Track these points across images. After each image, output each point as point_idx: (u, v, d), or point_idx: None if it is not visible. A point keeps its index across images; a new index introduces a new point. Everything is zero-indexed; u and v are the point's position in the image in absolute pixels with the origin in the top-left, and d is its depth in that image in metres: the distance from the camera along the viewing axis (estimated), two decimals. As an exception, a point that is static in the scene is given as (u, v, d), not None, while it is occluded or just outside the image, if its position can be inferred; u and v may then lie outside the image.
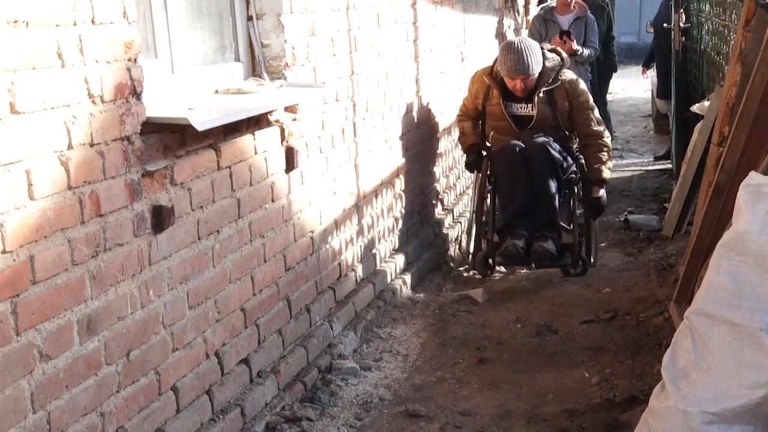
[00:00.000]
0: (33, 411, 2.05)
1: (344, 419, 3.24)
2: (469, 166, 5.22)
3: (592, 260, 4.99)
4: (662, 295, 4.29)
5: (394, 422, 3.24)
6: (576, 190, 4.96)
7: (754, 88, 3.19)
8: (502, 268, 5.16)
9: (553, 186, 4.77)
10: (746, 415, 2.15)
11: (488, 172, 4.97)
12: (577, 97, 4.92)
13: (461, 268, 5.27)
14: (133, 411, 2.44)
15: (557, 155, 4.80)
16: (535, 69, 4.79)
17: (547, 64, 4.86)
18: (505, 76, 4.82)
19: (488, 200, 5.02)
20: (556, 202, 4.80)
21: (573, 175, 4.92)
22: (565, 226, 4.92)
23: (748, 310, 2.21)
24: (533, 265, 4.89)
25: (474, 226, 5.12)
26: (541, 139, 4.80)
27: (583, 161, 4.98)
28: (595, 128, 4.91)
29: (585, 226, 4.98)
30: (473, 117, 5.13)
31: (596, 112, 5.00)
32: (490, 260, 4.96)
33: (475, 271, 5.07)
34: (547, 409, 3.29)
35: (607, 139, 4.97)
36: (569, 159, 4.92)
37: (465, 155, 5.26)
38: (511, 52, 4.75)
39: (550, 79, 4.87)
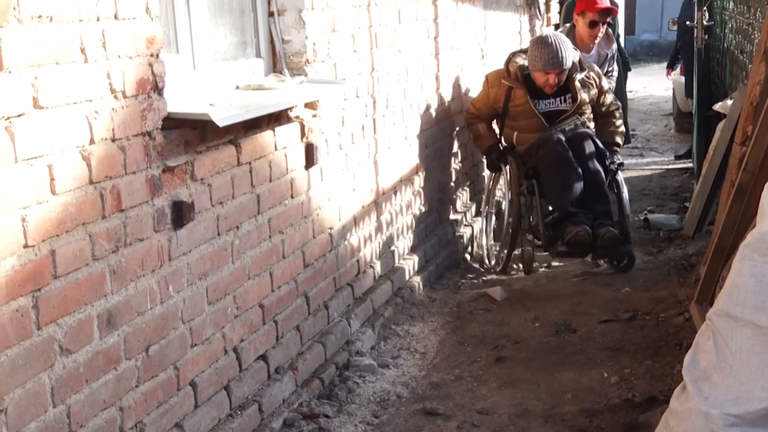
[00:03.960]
0: (53, 405, 2.06)
1: (361, 416, 3.23)
2: (492, 165, 5.18)
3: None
4: (683, 295, 4.26)
5: (411, 420, 3.23)
6: (613, 178, 4.94)
7: (778, 88, 3.16)
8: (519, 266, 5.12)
9: (602, 175, 4.76)
10: (769, 418, 2.13)
11: (521, 168, 4.93)
12: (601, 82, 5.10)
13: (477, 266, 5.25)
14: (151, 406, 2.45)
15: (599, 143, 4.86)
16: (569, 62, 4.82)
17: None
18: (539, 71, 4.82)
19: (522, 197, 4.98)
20: (607, 189, 4.78)
21: (612, 166, 4.92)
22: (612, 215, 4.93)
23: (771, 312, 2.18)
24: (596, 254, 4.90)
25: (510, 225, 5.05)
26: (578, 127, 4.86)
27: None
28: (614, 106, 5.15)
29: (621, 219, 4.92)
30: (486, 119, 5.13)
31: (611, 95, 5.25)
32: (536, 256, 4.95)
33: (505, 271, 5.05)
34: (565, 408, 3.27)
35: (620, 110, 5.21)
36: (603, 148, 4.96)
37: (484, 156, 5.25)
38: (546, 46, 4.77)
39: (578, 68, 4.94)
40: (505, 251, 5.12)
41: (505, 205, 5.41)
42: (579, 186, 4.70)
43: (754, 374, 2.17)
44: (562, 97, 4.93)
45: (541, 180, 4.83)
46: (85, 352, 2.17)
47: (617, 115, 5.17)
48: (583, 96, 4.94)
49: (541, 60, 4.79)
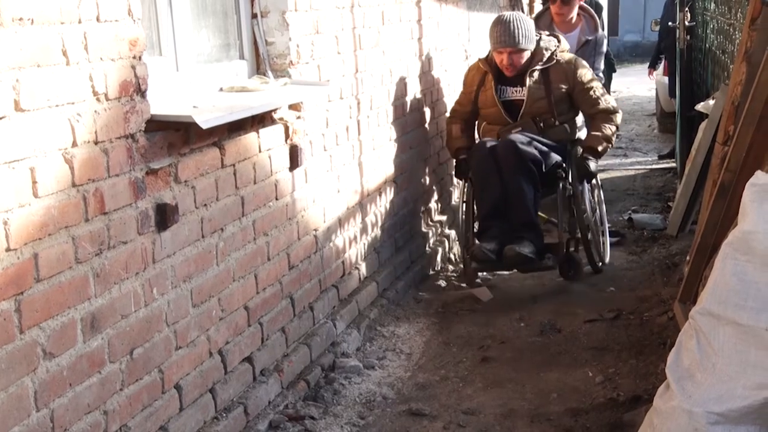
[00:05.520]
0: (36, 409, 2.05)
1: (347, 418, 3.23)
2: (459, 171, 4.88)
3: (599, 260, 4.82)
4: (666, 294, 4.28)
5: (397, 421, 3.23)
6: (562, 186, 4.62)
7: (759, 87, 3.18)
8: (487, 275, 4.90)
9: (524, 184, 4.45)
10: (751, 415, 2.14)
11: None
12: (578, 77, 4.68)
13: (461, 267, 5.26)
14: (136, 409, 2.44)
15: (529, 150, 4.47)
16: (524, 43, 4.58)
17: (542, 43, 4.69)
18: (492, 50, 4.65)
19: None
20: (530, 201, 4.47)
21: (560, 170, 4.59)
22: (553, 221, 4.76)
23: (753, 310, 2.20)
24: (513, 269, 4.65)
25: (463, 234, 4.86)
26: (514, 135, 4.55)
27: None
28: (602, 106, 4.69)
29: (579, 222, 4.66)
30: (465, 116, 4.90)
31: (601, 89, 4.75)
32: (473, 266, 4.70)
33: (470, 283, 4.75)
34: (550, 408, 3.28)
35: (617, 116, 4.72)
36: (552, 155, 4.60)
37: (454, 161, 4.96)
38: (499, 24, 4.58)
39: (545, 58, 4.66)
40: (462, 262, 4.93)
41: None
42: (493, 198, 4.50)
43: (736, 372, 2.19)
44: (521, 88, 4.67)
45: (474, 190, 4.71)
46: (68, 356, 2.16)
47: (608, 119, 4.70)
48: (534, 90, 4.63)
49: (492, 38, 4.60)
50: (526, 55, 4.65)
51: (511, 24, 4.55)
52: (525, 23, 4.61)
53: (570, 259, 4.72)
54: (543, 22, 5.92)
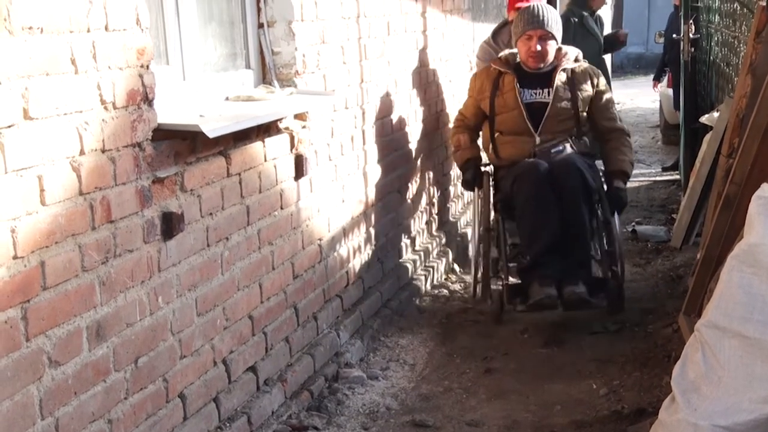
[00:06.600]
0: (42, 417, 2.05)
1: (351, 428, 3.23)
2: (468, 184, 4.53)
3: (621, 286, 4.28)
4: (671, 306, 4.27)
5: (401, 432, 3.23)
6: (599, 211, 4.24)
7: (764, 100, 3.18)
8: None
9: (586, 216, 4.06)
10: (758, 429, 2.14)
11: (494, 196, 4.32)
12: (600, 85, 4.42)
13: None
14: (140, 418, 2.44)
15: (591, 177, 4.11)
16: (554, 27, 4.30)
17: (564, 46, 4.47)
18: (519, 36, 4.33)
19: (497, 230, 4.31)
20: (589, 235, 4.11)
21: (596, 194, 4.22)
22: (594, 256, 4.28)
23: (759, 323, 2.20)
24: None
25: (480, 264, 4.37)
26: (568, 155, 4.17)
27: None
28: (619, 125, 4.44)
29: (613, 253, 4.24)
30: (472, 127, 4.58)
31: (615, 105, 4.57)
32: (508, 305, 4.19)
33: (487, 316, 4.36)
34: (554, 420, 3.28)
35: (630, 139, 4.51)
36: (596, 177, 4.25)
37: (462, 172, 4.61)
38: (527, 10, 4.34)
39: (571, 58, 4.40)
40: (479, 285, 4.43)
41: (472, 234, 4.75)
42: (554, 231, 4.06)
43: (742, 386, 2.18)
44: (548, 90, 4.31)
45: (516, 217, 4.22)
46: (73, 364, 2.16)
47: (627, 142, 4.44)
48: (560, 90, 4.30)
49: (521, 22, 4.31)
50: (553, 45, 4.35)
51: (541, 10, 4.31)
52: (554, 12, 4.38)
53: (618, 294, 4.23)
54: (502, 38, 5.39)
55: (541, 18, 4.29)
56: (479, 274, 4.38)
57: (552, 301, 3.99)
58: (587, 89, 4.39)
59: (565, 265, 4.05)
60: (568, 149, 4.25)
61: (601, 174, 4.37)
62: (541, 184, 4.07)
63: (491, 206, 4.38)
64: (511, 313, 4.29)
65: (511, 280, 4.21)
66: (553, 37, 4.35)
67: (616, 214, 4.35)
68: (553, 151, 4.24)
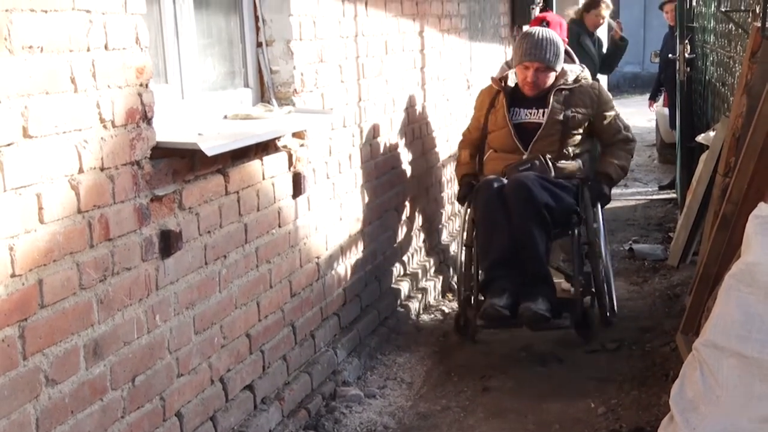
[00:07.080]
0: (38, 436, 2.04)
1: (348, 447, 3.22)
2: (460, 200, 4.54)
3: (608, 311, 4.18)
4: (668, 325, 4.27)
5: (398, 451, 3.21)
6: (577, 233, 4.13)
7: (760, 120, 3.20)
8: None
9: (536, 232, 3.97)
10: (756, 448, 2.14)
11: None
12: (603, 103, 4.39)
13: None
14: (137, 437, 2.43)
15: (541, 193, 4.00)
16: (553, 61, 4.26)
17: (566, 66, 4.42)
18: (518, 65, 4.30)
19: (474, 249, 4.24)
20: (542, 251, 4.00)
21: (574, 216, 4.12)
22: (568, 273, 4.32)
23: (757, 342, 2.20)
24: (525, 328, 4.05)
25: (462, 280, 4.31)
26: (524, 175, 4.08)
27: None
28: (622, 135, 4.42)
29: (596, 273, 4.14)
30: (475, 141, 4.57)
31: (623, 120, 4.50)
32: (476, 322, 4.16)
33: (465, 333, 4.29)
34: (552, 439, 3.27)
35: (632, 144, 4.47)
36: (566, 198, 4.11)
37: (458, 187, 4.61)
38: (528, 36, 4.28)
39: (570, 79, 4.35)
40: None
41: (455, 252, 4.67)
42: (502, 245, 4.00)
43: (740, 405, 2.18)
44: (542, 111, 4.28)
45: (477, 234, 4.21)
46: (70, 383, 2.15)
47: (624, 147, 4.43)
48: (556, 110, 4.25)
49: (519, 50, 4.26)
50: (552, 76, 4.32)
51: (543, 40, 4.25)
52: (556, 42, 4.30)
53: (585, 317, 4.16)
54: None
55: (540, 49, 4.24)
56: (462, 290, 4.32)
57: (497, 312, 3.89)
58: (583, 111, 4.34)
59: (519, 279, 4.00)
60: (527, 173, 4.13)
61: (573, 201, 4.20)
62: (491, 201, 4.07)
63: (472, 223, 4.32)
64: (499, 333, 4.31)
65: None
66: (552, 69, 4.31)
67: (602, 236, 4.27)
68: (520, 168, 4.19)
